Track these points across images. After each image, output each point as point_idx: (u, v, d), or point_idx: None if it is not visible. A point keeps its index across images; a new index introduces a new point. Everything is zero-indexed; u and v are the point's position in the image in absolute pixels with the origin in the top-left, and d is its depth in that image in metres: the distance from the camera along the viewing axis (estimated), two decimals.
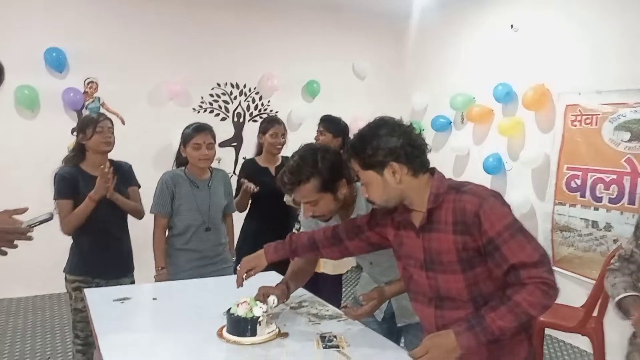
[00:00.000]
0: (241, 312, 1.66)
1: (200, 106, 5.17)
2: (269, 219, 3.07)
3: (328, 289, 3.14)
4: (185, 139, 2.58)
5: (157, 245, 2.57)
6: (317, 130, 3.24)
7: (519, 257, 1.37)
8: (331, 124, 3.24)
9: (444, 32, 5.47)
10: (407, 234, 1.56)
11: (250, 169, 3.11)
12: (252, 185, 2.94)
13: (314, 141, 3.26)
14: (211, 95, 5.22)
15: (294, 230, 3.24)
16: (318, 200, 1.73)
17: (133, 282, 2.70)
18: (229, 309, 1.70)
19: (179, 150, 2.66)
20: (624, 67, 3.81)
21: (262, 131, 3.17)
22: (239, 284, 1.80)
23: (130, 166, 2.76)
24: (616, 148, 3.78)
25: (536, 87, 4.40)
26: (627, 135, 3.73)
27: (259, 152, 3.23)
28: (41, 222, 1.58)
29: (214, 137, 2.61)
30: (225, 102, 5.30)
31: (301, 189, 1.73)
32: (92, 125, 2.51)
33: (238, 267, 1.83)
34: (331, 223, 1.85)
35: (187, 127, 2.61)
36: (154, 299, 2.04)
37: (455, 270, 1.46)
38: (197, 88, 5.11)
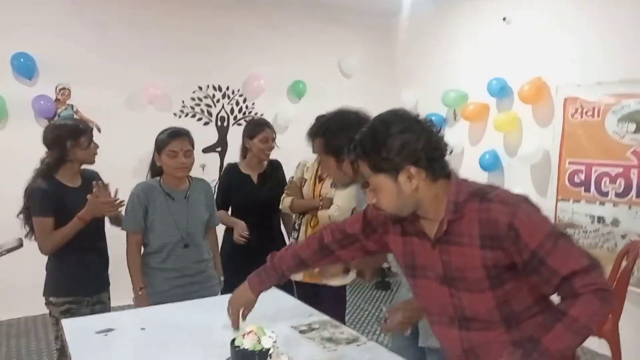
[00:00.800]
0: (248, 344, 1.41)
1: (182, 111, 4.90)
2: (251, 230, 2.83)
3: (331, 302, 2.89)
4: (160, 146, 2.30)
5: (132, 264, 2.31)
6: None
7: (569, 267, 1.17)
8: None
9: (434, 27, 5.31)
10: (419, 242, 1.35)
11: (231, 175, 2.92)
12: (243, 237, 2.78)
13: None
14: (193, 99, 4.96)
15: (291, 241, 3.01)
16: (325, 161, 1.79)
17: (109, 298, 2.52)
18: (233, 340, 1.46)
19: (153, 158, 2.39)
20: (626, 57, 3.68)
21: (249, 135, 2.92)
22: (236, 326, 1.64)
23: (98, 174, 2.53)
24: (621, 140, 3.65)
25: (533, 80, 4.26)
26: (633, 127, 3.59)
27: (244, 156, 3.00)
28: (8, 251, 1.34)
29: (192, 143, 2.34)
30: (208, 105, 5.04)
31: (314, 143, 1.83)
32: (88, 134, 2.35)
33: (228, 308, 1.67)
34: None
35: (162, 133, 2.34)
36: (142, 328, 1.77)
37: (483, 288, 1.25)
38: (177, 92, 4.84)
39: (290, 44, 5.31)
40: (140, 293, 2.28)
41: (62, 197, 2.28)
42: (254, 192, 2.89)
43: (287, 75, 5.31)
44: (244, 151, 3.00)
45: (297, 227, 2.98)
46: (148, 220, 2.29)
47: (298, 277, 2.86)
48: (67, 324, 1.82)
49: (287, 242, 3.06)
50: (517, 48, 4.47)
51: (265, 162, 3.00)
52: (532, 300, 1.26)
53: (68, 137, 2.29)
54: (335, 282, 2.84)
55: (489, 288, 1.24)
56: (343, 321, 3.02)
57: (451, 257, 1.27)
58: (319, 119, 1.82)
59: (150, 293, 2.29)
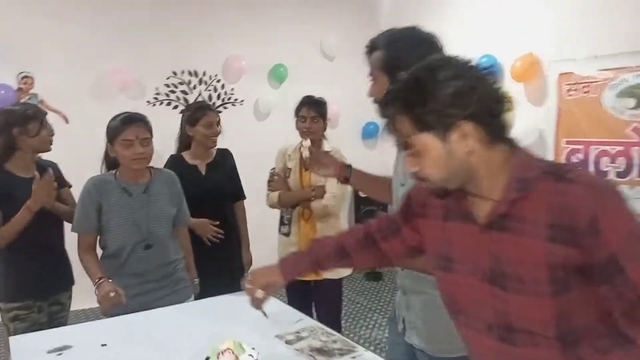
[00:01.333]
0: None
1: (156, 98, 4.61)
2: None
3: (327, 296, 2.68)
4: (113, 135, 1.98)
5: (86, 263, 2.00)
6: (308, 117, 2.67)
7: None
8: (323, 108, 2.74)
9: (420, 3, 5.07)
10: (462, 226, 1.08)
11: (176, 167, 2.50)
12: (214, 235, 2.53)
13: (294, 131, 2.77)
14: (167, 86, 4.67)
15: (281, 233, 2.79)
16: (376, 78, 1.49)
17: (70, 298, 2.35)
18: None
19: (106, 149, 2.08)
20: (623, 28, 3.49)
21: (191, 122, 2.57)
22: (257, 306, 1.39)
23: (57, 165, 2.34)
24: (620, 117, 3.47)
25: (525, 56, 4.06)
26: (632, 102, 3.42)
27: (186, 146, 2.64)
28: None
29: (150, 129, 2.03)
30: (184, 92, 4.75)
31: (372, 55, 1.50)
32: (38, 120, 2.15)
33: (246, 284, 1.40)
34: None
35: (113, 119, 2.03)
36: (102, 345, 1.53)
37: (542, 292, 0.96)
38: (150, 78, 4.55)
39: (268, 26, 5.03)
40: (101, 282, 1.88)
41: (11, 189, 2.09)
42: (203, 184, 2.56)
43: (267, 59, 5.04)
44: (187, 140, 2.64)
45: (286, 221, 2.75)
46: (103, 219, 2.01)
47: None
48: (15, 342, 1.57)
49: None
50: (507, 22, 4.26)
51: (214, 151, 2.67)
52: (596, 316, 0.98)
53: (15, 123, 2.09)
54: (334, 274, 2.63)
55: (550, 294, 0.96)
56: (339, 315, 2.83)
57: (505, 248, 1.00)
58: (385, 31, 1.55)
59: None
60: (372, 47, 1.51)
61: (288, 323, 1.64)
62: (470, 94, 0.95)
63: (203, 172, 2.60)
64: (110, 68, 4.35)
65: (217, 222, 2.53)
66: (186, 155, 2.63)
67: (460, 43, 4.54)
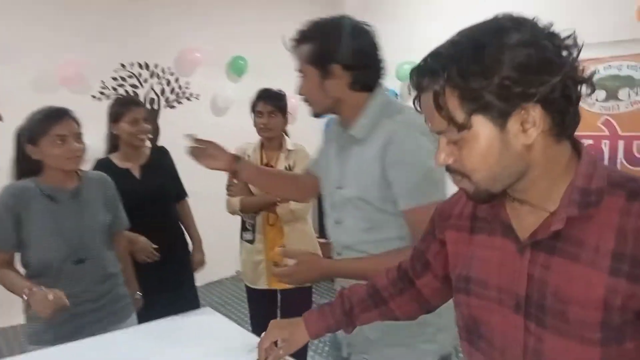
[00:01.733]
0: None
1: (102, 92, 4.26)
2: (146, 232, 2.25)
3: (295, 306, 2.41)
4: (38, 132, 1.72)
5: (6, 278, 1.69)
6: (265, 112, 2.44)
7: None
8: (282, 101, 2.51)
9: None
10: (491, 241, 0.88)
11: (105, 173, 2.16)
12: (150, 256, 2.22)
13: (249, 127, 2.55)
14: (114, 79, 4.32)
15: (244, 240, 2.55)
16: (306, 73, 1.38)
17: None
18: None
19: (19, 152, 1.77)
20: (592, 19, 3.40)
21: (114, 118, 2.28)
22: (263, 357, 1.21)
23: None
24: (590, 109, 3.39)
25: None
26: (602, 94, 3.34)
27: (114, 147, 2.37)
28: None
29: (80, 124, 1.79)
30: (134, 86, 4.42)
31: (299, 48, 1.38)
32: None
33: (263, 334, 1.23)
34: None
35: (35, 115, 1.77)
36: None
37: (589, 339, 0.76)
38: (95, 71, 4.18)
39: (226, 15, 4.75)
40: (32, 291, 1.56)
41: None
42: (139, 189, 2.28)
43: (225, 51, 4.77)
44: (113, 140, 2.36)
45: (249, 227, 2.52)
46: (23, 232, 1.72)
47: (262, 284, 2.51)
48: None
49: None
50: (475, 11, 4.12)
51: (147, 151, 2.39)
52: None
53: None
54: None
55: (598, 341, 0.76)
56: None
57: (550, 275, 0.79)
58: (313, 20, 1.39)
59: (37, 330, 1.72)
60: (300, 39, 1.37)
61: (241, 351, 1.40)
62: (546, 68, 0.71)
63: (137, 176, 2.32)
64: (51, 60, 3.97)
65: (157, 247, 2.23)
66: (115, 158, 2.33)
67: (429, 33, 4.40)
